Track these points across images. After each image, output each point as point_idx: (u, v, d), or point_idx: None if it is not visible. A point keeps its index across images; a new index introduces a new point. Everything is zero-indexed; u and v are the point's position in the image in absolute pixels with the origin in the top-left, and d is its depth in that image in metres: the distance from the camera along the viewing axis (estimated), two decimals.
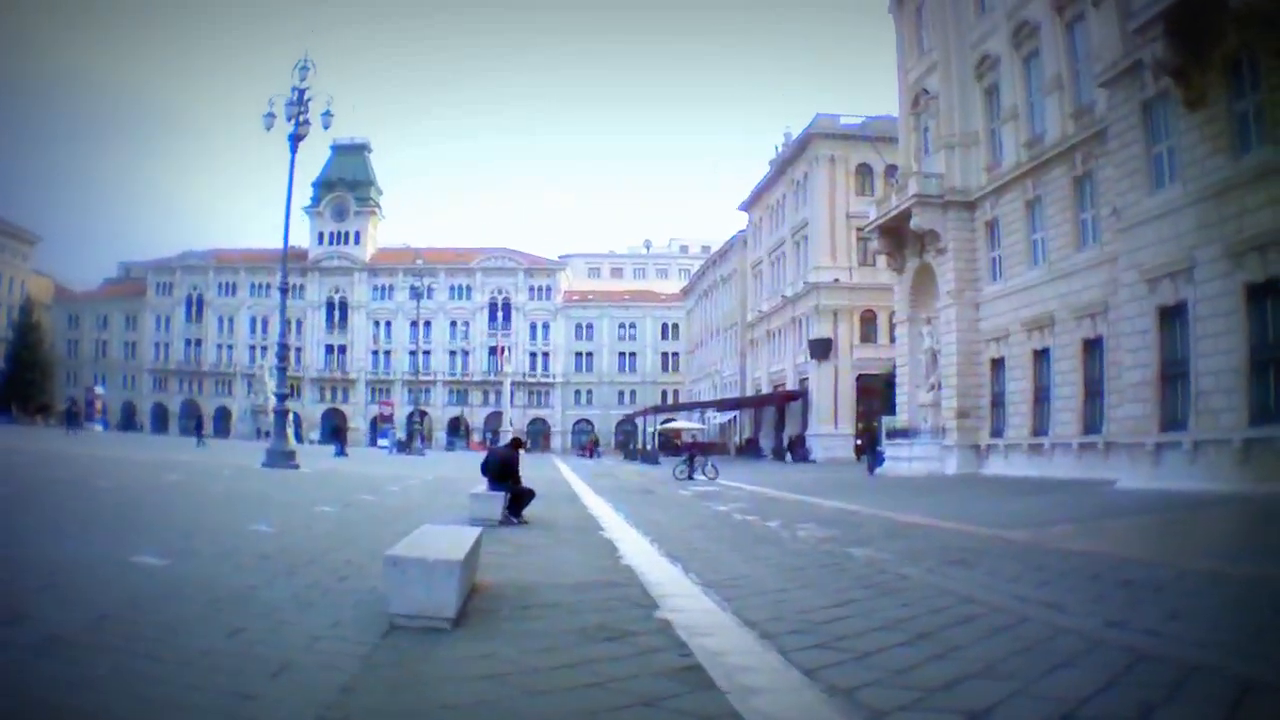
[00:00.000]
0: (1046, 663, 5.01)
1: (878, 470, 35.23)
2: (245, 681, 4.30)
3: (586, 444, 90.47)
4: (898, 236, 37.90)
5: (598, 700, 4.22)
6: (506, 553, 9.58)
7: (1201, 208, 19.68)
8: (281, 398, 28.52)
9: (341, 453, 49.33)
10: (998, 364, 32.36)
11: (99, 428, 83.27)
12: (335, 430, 77.68)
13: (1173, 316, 20.93)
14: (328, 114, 28.10)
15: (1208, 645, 5.41)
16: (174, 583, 6.82)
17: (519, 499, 13.79)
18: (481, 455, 21.79)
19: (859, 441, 50.89)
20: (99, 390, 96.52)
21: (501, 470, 14.10)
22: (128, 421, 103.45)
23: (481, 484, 14.36)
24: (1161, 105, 21.48)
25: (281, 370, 29.10)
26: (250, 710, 3.92)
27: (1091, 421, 26.88)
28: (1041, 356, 29.65)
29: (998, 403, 32.39)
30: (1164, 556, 9.89)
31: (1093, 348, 27.04)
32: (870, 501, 19.91)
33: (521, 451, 15.35)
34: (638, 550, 10.53)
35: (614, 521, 14.70)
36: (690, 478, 31.49)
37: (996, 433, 32.23)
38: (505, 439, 37.20)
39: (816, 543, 11.73)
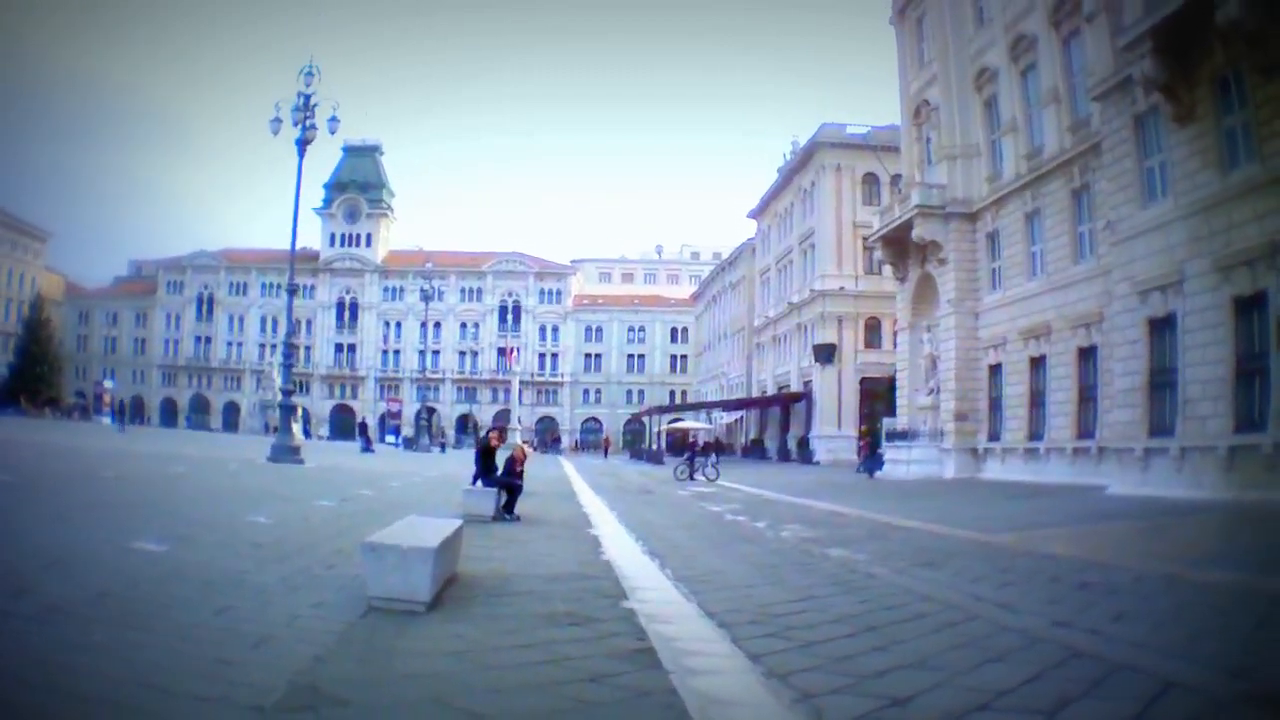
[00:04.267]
0: (980, 657, 5.29)
1: (877, 473, 35.42)
2: (226, 650, 4.77)
3: (602, 441, 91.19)
4: (901, 246, 38.04)
5: (547, 675, 4.60)
6: (493, 546, 9.95)
7: (1191, 222, 19.87)
8: (287, 393, 28.80)
9: (368, 449, 49.15)
10: (995, 370, 32.66)
11: (106, 420, 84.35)
12: (361, 426, 77.49)
13: (1162, 327, 21.14)
14: (334, 119, 28.04)
15: (1143, 645, 5.65)
16: (171, 566, 7.27)
17: (511, 494, 14.13)
18: None
19: (862, 443, 51.13)
20: (108, 385, 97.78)
21: (484, 462, 14.50)
22: (136, 415, 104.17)
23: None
24: (1153, 120, 21.65)
25: (287, 368, 29.39)
26: (228, 674, 4.38)
27: (1085, 427, 27.19)
28: (1038, 364, 29.91)
29: (995, 407, 32.71)
30: (1130, 561, 10.13)
31: (1087, 356, 27.31)
32: (863, 504, 20.10)
33: (529, 451, 15.57)
34: (621, 546, 10.86)
35: (605, 519, 15.00)
36: (691, 478, 31.64)
37: (994, 436, 32.52)
38: (514, 437, 37.47)
39: (797, 543, 12.03)
